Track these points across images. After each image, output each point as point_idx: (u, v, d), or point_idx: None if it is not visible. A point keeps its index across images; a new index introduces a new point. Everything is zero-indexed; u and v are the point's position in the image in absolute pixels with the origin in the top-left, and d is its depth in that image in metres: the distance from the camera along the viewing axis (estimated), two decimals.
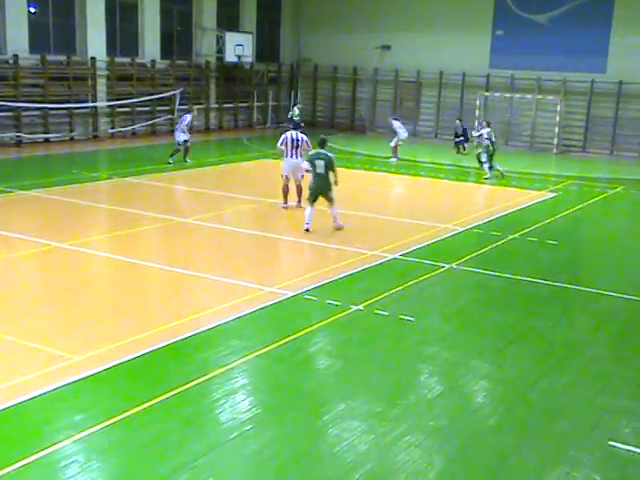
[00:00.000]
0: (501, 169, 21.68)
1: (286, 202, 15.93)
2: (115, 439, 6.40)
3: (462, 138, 27.60)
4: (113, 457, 6.16)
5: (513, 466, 6.27)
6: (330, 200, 13.89)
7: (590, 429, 6.90)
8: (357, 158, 24.97)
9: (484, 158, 21.51)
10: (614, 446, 6.57)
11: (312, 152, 14.37)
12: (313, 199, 13.84)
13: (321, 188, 13.74)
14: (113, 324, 9.11)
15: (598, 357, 8.77)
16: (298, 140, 15.61)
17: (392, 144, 24.40)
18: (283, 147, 15.74)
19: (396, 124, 24.34)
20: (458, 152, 27.29)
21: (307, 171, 13.89)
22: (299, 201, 15.93)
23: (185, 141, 21.74)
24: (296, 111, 28.87)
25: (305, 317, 9.52)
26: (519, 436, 6.75)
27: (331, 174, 13.84)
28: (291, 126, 17.69)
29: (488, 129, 21.69)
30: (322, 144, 14.16)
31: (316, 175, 13.73)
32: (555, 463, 6.28)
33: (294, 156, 15.68)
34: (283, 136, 15.89)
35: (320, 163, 13.69)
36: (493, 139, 21.57)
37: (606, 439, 6.69)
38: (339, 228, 13.96)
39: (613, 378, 8.11)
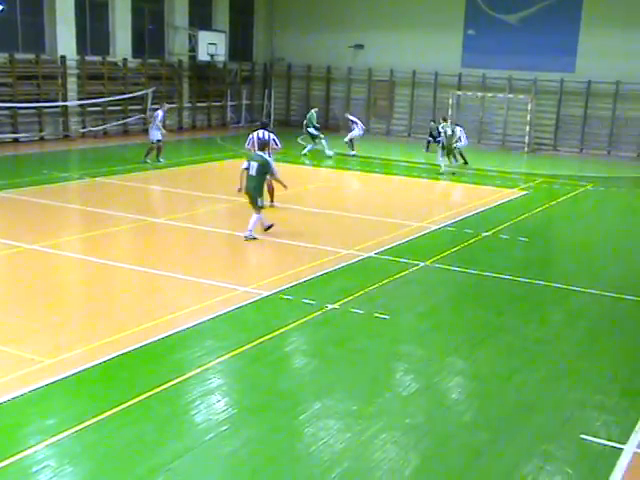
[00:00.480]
0: (455, 165, 22.31)
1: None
2: (88, 443, 6.35)
3: (439, 138, 27.57)
4: (86, 461, 6.11)
5: (488, 461, 6.34)
6: (255, 206, 13.16)
7: (562, 423, 7.00)
8: (330, 157, 24.98)
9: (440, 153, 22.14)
10: (586, 439, 6.68)
11: (254, 153, 13.86)
12: (249, 201, 13.40)
13: (250, 190, 13.13)
14: (85, 326, 9.03)
15: (570, 352, 8.89)
16: (265, 139, 15.28)
17: (347, 139, 25.35)
18: (250, 147, 15.47)
19: (352, 119, 25.54)
20: (427, 150, 27.40)
21: (245, 169, 13.16)
22: (272, 200, 15.81)
23: (159, 140, 21.59)
24: (314, 115, 26.49)
25: (280, 316, 9.51)
26: (493, 431, 6.82)
27: (263, 178, 13.31)
28: (259, 124, 17.34)
29: (442, 124, 22.41)
30: (262, 147, 13.81)
31: (248, 177, 13.17)
32: (529, 457, 6.36)
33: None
34: (250, 136, 15.75)
35: (254, 165, 13.13)
36: (449, 134, 22.06)
37: (578, 433, 6.79)
38: (249, 239, 13.01)
39: (585, 373, 8.23)
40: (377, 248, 12.94)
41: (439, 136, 27.26)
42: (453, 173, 21.97)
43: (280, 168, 20.20)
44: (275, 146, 15.51)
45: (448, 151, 22.06)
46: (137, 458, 6.12)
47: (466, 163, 23.64)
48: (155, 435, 6.50)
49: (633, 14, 27.30)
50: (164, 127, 22.29)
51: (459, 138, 22.39)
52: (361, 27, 32.45)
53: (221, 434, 6.54)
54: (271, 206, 15.68)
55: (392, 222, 15.30)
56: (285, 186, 14.06)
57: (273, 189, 15.73)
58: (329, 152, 24.58)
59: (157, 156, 21.73)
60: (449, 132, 22.20)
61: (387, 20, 31.80)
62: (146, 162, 21.39)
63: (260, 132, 15.56)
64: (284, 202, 16.68)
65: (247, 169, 13.17)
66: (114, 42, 28.49)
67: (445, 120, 23.62)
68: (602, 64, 27.88)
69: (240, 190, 13.33)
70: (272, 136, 15.50)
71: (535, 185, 21.00)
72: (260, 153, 13.43)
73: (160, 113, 21.68)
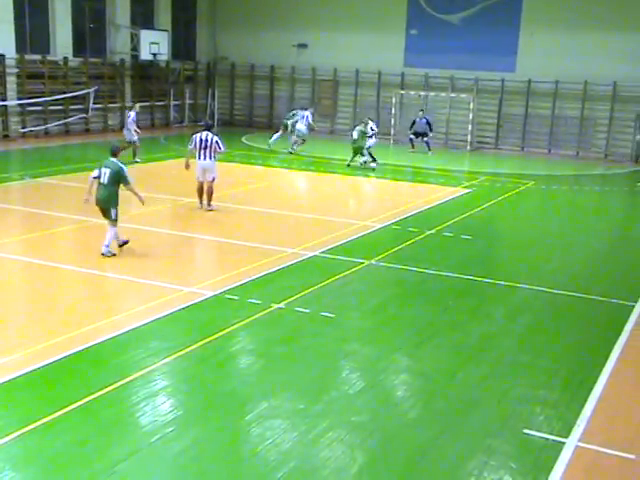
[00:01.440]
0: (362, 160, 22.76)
1: (201, 203, 15.58)
2: (30, 447, 6.21)
3: (426, 137, 27.74)
4: (28, 466, 5.97)
5: (433, 458, 6.42)
6: (110, 219, 11.85)
7: (506, 419, 7.13)
8: (274, 156, 24.96)
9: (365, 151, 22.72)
10: (528, 434, 6.81)
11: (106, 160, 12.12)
12: (102, 213, 12.09)
13: (102, 202, 11.85)
14: (26, 329, 8.82)
15: (512, 348, 9.05)
16: (207, 141, 15.14)
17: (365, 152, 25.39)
18: (193, 148, 15.34)
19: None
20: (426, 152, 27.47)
21: (95, 178, 11.81)
22: (205, 202, 15.50)
23: (134, 141, 21.75)
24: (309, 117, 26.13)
25: (226, 316, 9.46)
26: (439, 428, 6.91)
27: (116, 188, 11.88)
28: (202, 124, 17.11)
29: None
30: (113, 153, 12.08)
31: (99, 185, 11.82)
32: (473, 453, 6.46)
33: (204, 157, 15.21)
34: (193, 137, 15.51)
35: (105, 172, 11.77)
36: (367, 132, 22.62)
37: (521, 428, 6.92)
38: (107, 256, 11.74)
39: (527, 368, 8.39)
40: (322, 247, 12.97)
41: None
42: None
43: (223, 168, 20.13)
44: (218, 149, 15.27)
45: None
46: (80, 462, 6.01)
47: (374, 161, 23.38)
48: (99, 439, 6.39)
49: (572, 14, 27.94)
50: (138, 127, 22.40)
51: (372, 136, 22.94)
52: (305, 26, 32.48)
53: (166, 436, 6.46)
54: (209, 209, 15.38)
55: (337, 221, 15.35)
56: (142, 200, 12.22)
57: (211, 191, 15.41)
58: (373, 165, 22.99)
59: (134, 156, 21.64)
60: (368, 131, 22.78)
61: (331, 19, 31.90)
62: (136, 162, 21.55)
63: (203, 134, 15.33)
64: (227, 202, 16.60)
65: (98, 177, 11.79)
66: (54, 40, 27.86)
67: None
68: (541, 64, 28.52)
69: (87, 201, 11.91)
70: (215, 138, 15.27)
71: (478, 183, 21.35)
72: (113, 159, 11.94)
73: (132, 114, 21.80)
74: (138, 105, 23.80)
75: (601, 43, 27.51)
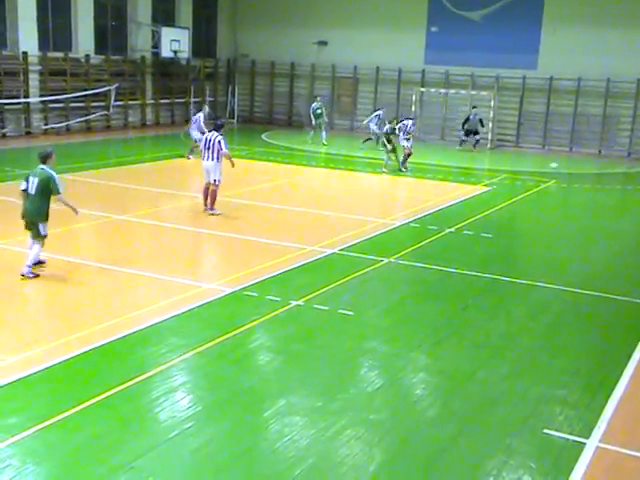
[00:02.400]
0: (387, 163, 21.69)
1: (206, 205, 15.00)
2: (50, 442, 6.25)
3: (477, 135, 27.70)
4: (49, 460, 6.01)
5: (452, 457, 6.38)
6: (37, 234, 10.43)
7: (526, 418, 7.07)
8: (294, 154, 24.98)
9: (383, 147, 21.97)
10: (548, 434, 6.74)
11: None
12: (27, 228, 10.62)
13: (29, 214, 10.46)
14: (48, 324, 8.90)
15: (533, 347, 8.98)
16: (211, 141, 14.71)
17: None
18: (202, 148, 15.00)
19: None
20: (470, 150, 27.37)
21: (23, 190, 10.46)
22: (208, 205, 14.88)
23: (196, 140, 22.09)
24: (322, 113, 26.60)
25: (244, 313, 9.46)
26: (457, 427, 6.86)
27: (46, 199, 10.43)
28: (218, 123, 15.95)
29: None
30: (43, 159, 10.64)
31: (27, 196, 10.44)
32: (492, 452, 6.41)
33: (208, 158, 14.78)
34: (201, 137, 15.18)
35: (34, 181, 10.38)
36: (382, 129, 22.13)
37: (541, 427, 6.86)
38: (27, 276, 10.30)
39: (547, 367, 8.32)
40: (341, 244, 12.94)
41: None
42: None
43: (243, 165, 20.16)
44: (220, 150, 14.68)
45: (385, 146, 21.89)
46: (99, 457, 6.04)
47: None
48: (118, 433, 6.42)
49: (594, 11, 27.68)
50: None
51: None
52: (325, 23, 32.45)
53: (185, 431, 6.48)
54: (210, 212, 14.79)
55: (356, 219, 15.32)
56: (76, 211, 10.83)
57: (215, 194, 14.79)
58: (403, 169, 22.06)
59: (189, 152, 22.39)
60: (383, 127, 22.50)
61: (351, 17, 31.83)
62: (188, 158, 22.23)
63: (209, 134, 15.00)
64: (247, 199, 16.63)
65: (25, 190, 10.43)
66: (76, 38, 28.08)
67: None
68: (563, 61, 28.25)
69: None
70: (219, 138, 14.73)
71: (498, 181, 21.21)
72: (43, 167, 10.48)
73: (201, 116, 22.48)
74: (207, 106, 24.74)
75: (623, 40, 27.22)
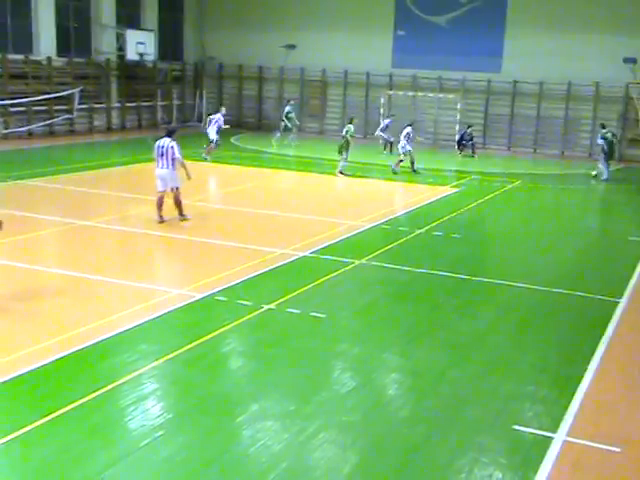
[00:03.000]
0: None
1: (160, 217, 14.23)
2: (16, 455, 6.13)
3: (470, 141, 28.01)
4: (16, 473, 5.90)
5: (425, 456, 6.40)
6: None
7: (496, 415, 7.13)
8: (264, 157, 24.92)
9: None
10: (518, 430, 6.82)
11: None
12: None
13: None
14: (13, 333, 8.72)
15: (502, 345, 9.07)
16: (163, 147, 13.96)
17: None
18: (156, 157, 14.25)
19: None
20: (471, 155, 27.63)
21: None
22: (180, 214, 14.36)
23: (214, 140, 22.84)
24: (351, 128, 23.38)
25: (216, 318, 9.40)
26: (430, 426, 6.89)
27: None
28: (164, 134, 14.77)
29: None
30: (161, 156, 10.89)
31: None
32: (464, 450, 6.45)
33: (162, 166, 14.04)
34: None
35: None
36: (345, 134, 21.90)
37: (511, 424, 6.92)
38: None
39: (516, 365, 8.41)
40: (312, 247, 12.94)
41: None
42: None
43: (213, 169, 20.07)
44: (174, 155, 13.96)
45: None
46: (68, 469, 5.93)
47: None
48: (87, 443, 6.32)
49: (555, 17, 28.17)
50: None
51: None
52: (293, 27, 32.45)
53: (156, 440, 6.41)
54: (181, 219, 14.36)
55: (327, 221, 15.33)
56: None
57: (180, 202, 14.26)
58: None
59: (206, 154, 22.92)
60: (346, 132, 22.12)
61: (319, 20, 31.90)
62: (205, 159, 22.69)
63: (161, 140, 14.15)
64: (217, 203, 16.55)
65: None
66: (38, 40, 27.69)
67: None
68: (526, 65, 28.73)
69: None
70: (172, 144, 14.03)
71: (466, 182, 21.39)
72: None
73: (220, 117, 23.28)
74: (224, 108, 25.23)
75: (584, 45, 27.78)
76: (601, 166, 22.74)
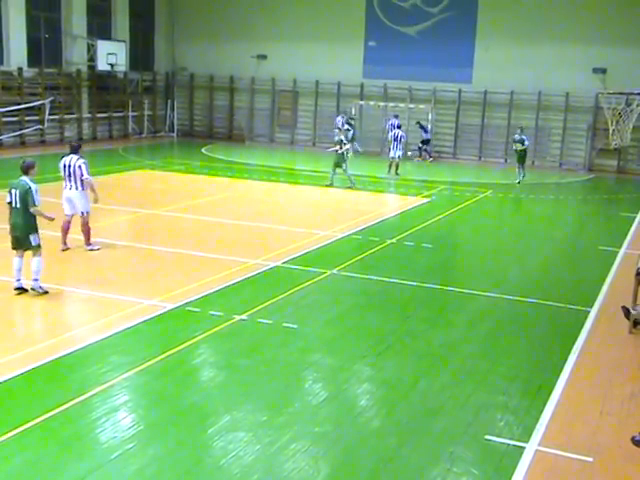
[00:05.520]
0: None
1: (65, 243, 12.97)
2: None
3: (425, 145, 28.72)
4: None
5: (396, 466, 6.42)
6: (30, 246, 10.35)
7: (467, 425, 7.18)
8: (235, 167, 24.88)
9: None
10: (490, 440, 6.87)
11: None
12: (13, 245, 10.49)
13: (18, 229, 10.35)
14: None
15: (473, 355, 9.13)
16: (70, 167, 12.68)
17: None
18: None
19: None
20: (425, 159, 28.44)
21: (9, 203, 10.35)
22: (87, 243, 13.00)
23: None
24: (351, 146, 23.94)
25: (187, 329, 9.36)
26: (401, 437, 6.92)
27: (29, 212, 10.27)
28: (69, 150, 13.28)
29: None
30: (25, 170, 10.41)
31: (11, 210, 10.37)
32: (436, 461, 6.49)
33: (69, 187, 12.85)
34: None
35: (15, 194, 10.27)
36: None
37: (483, 434, 6.97)
38: (38, 291, 10.31)
39: (487, 374, 8.47)
40: (284, 257, 12.94)
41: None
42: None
43: (184, 179, 19.97)
44: (82, 176, 12.68)
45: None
46: None
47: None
48: (56, 457, 6.26)
49: (525, 27, 28.54)
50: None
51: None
52: (264, 37, 32.51)
53: (127, 452, 6.36)
54: (90, 249, 12.93)
55: (299, 231, 15.35)
56: (50, 219, 10.70)
57: (88, 229, 13.02)
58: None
59: None
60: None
61: (290, 31, 31.99)
62: None
63: (67, 158, 12.80)
64: (188, 213, 16.50)
65: (11, 203, 10.32)
66: (8, 50, 27.43)
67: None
68: (497, 75, 29.04)
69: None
70: (79, 163, 12.69)
71: (437, 192, 21.55)
72: (23, 178, 10.32)
73: None
74: None
75: (554, 55, 28.18)
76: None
